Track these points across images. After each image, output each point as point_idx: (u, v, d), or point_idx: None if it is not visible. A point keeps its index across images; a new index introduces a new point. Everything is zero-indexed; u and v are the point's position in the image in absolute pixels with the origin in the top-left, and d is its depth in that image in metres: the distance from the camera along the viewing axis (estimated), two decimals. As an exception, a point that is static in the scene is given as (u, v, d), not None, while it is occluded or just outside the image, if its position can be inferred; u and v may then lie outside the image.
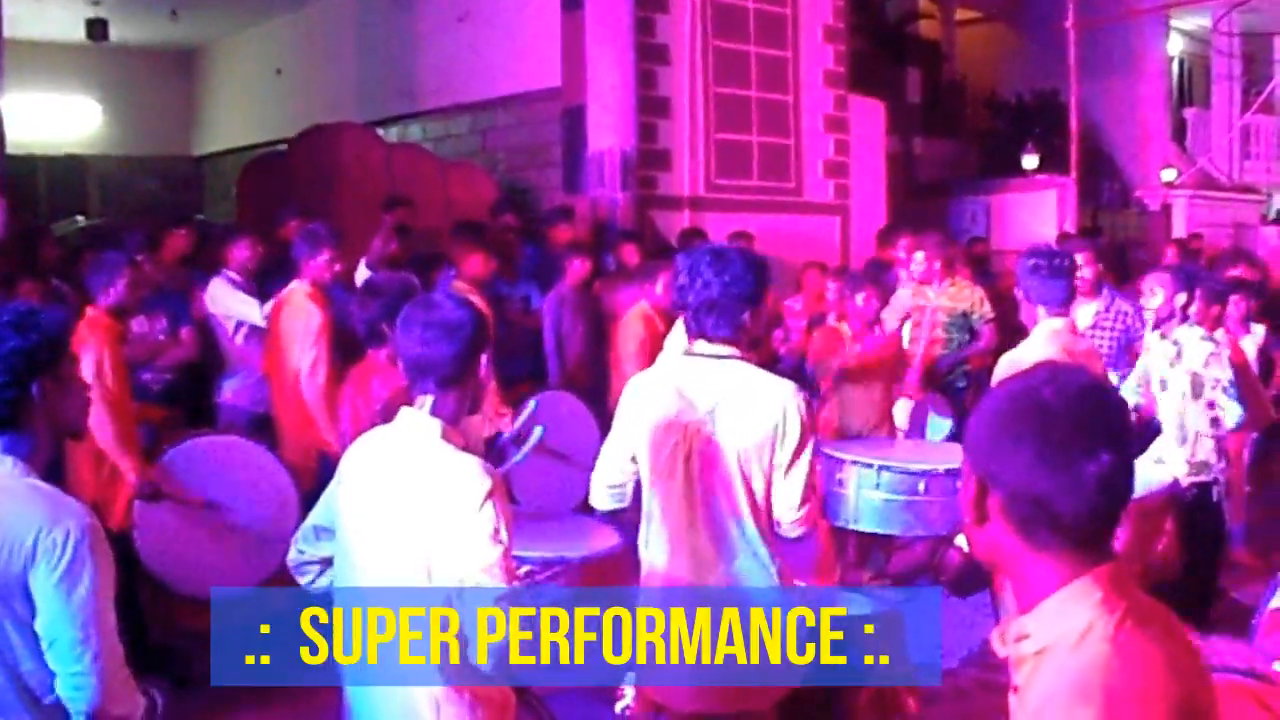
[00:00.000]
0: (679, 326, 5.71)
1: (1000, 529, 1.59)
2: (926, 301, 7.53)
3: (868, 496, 5.32)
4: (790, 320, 8.46)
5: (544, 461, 5.64)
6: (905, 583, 6.74)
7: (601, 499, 3.56)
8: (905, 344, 7.25)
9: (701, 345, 3.38)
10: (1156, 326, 5.61)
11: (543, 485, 6.11)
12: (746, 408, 3.28)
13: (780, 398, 3.30)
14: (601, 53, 10.24)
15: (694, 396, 3.32)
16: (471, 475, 2.66)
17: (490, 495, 2.63)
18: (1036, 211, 15.07)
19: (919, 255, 7.55)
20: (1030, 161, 16.20)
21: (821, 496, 5.36)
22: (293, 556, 3.00)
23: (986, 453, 1.59)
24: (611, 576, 3.53)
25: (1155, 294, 5.55)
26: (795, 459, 3.30)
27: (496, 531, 2.62)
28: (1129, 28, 16.88)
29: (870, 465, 5.30)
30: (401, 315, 2.83)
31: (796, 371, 8.05)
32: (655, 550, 3.39)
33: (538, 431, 4.30)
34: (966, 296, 7.68)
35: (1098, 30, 15.71)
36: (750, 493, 3.30)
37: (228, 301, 6.59)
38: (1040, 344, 4.64)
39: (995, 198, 15.80)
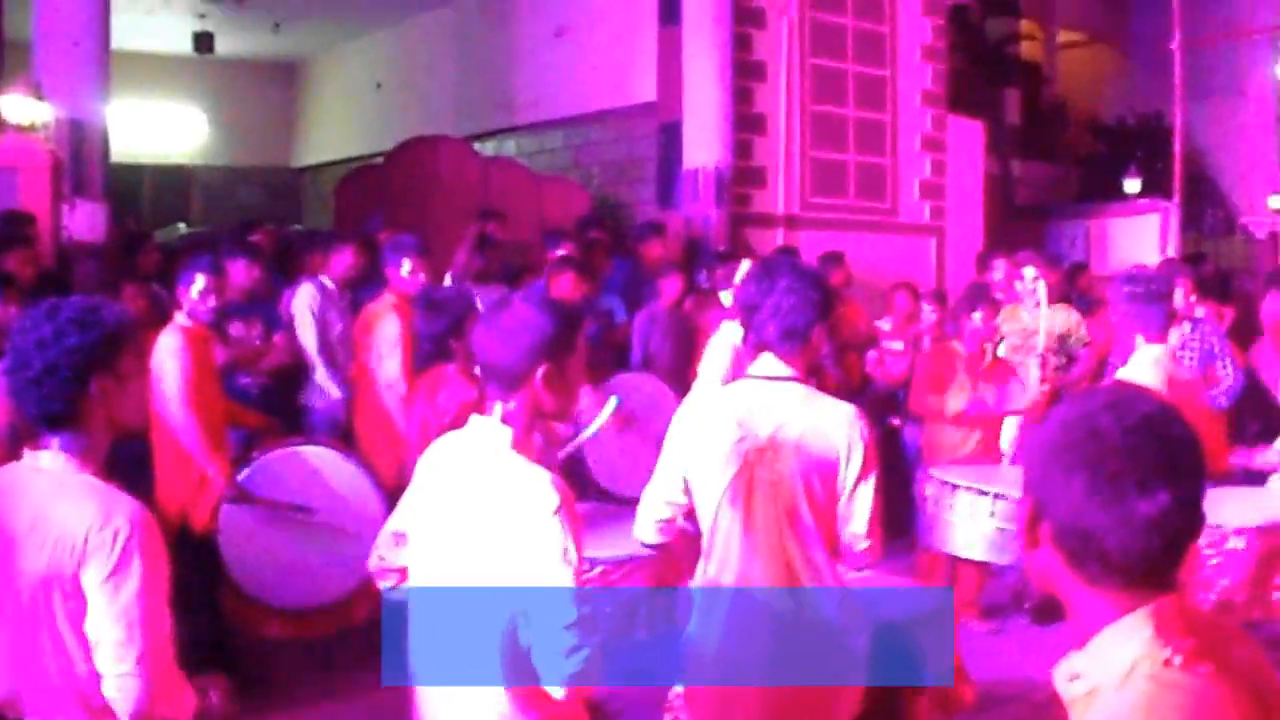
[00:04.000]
0: (717, 349, 5.64)
1: (1051, 557, 1.50)
2: (1023, 324, 7.38)
3: (981, 525, 5.19)
4: (884, 340, 8.34)
5: (629, 444, 5.57)
6: (996, 613, 6.61)
7: (648, 533, 3.42)
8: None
9: (760, 367, 3.30)
10: None
11: (626, 468, 6.10)
12: (810, 432, 3.19)
13: (844, 421, 3.20)
14: (698, 68, 10.21)
15: (754, 422, 3.22)
16: (539, 490, 2.53)
17: (558, 511, 2.51)
18: (1138, 237, 14.72)
19: (1029, 271, 7.40)
20: (1132, 185, 15.87)
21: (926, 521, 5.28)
22: (373, 562, 2.95)
23: (1039, 479, 1.50)
24: (688, 570, 3.44)
25: None
26: (859, 484, 3.20)
27: (565, 551, 2.50)
28: (1235, 49, 16.48)
29: (985, 493, 5.17)
30: (479, 318, 2.77)
31: (890, 396, 7.97)
32: (716, 578, 3.28)
33: (612, 402, 4.21)
34: (1064, 320, 7.52)
35: (1203, 52, 15.35)
36: (816, 520, 3.20)
37: (297, 316, 6.67)
38: (1142, 371, 4.51)
39: (1095, 222, 15.47)
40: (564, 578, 2.49)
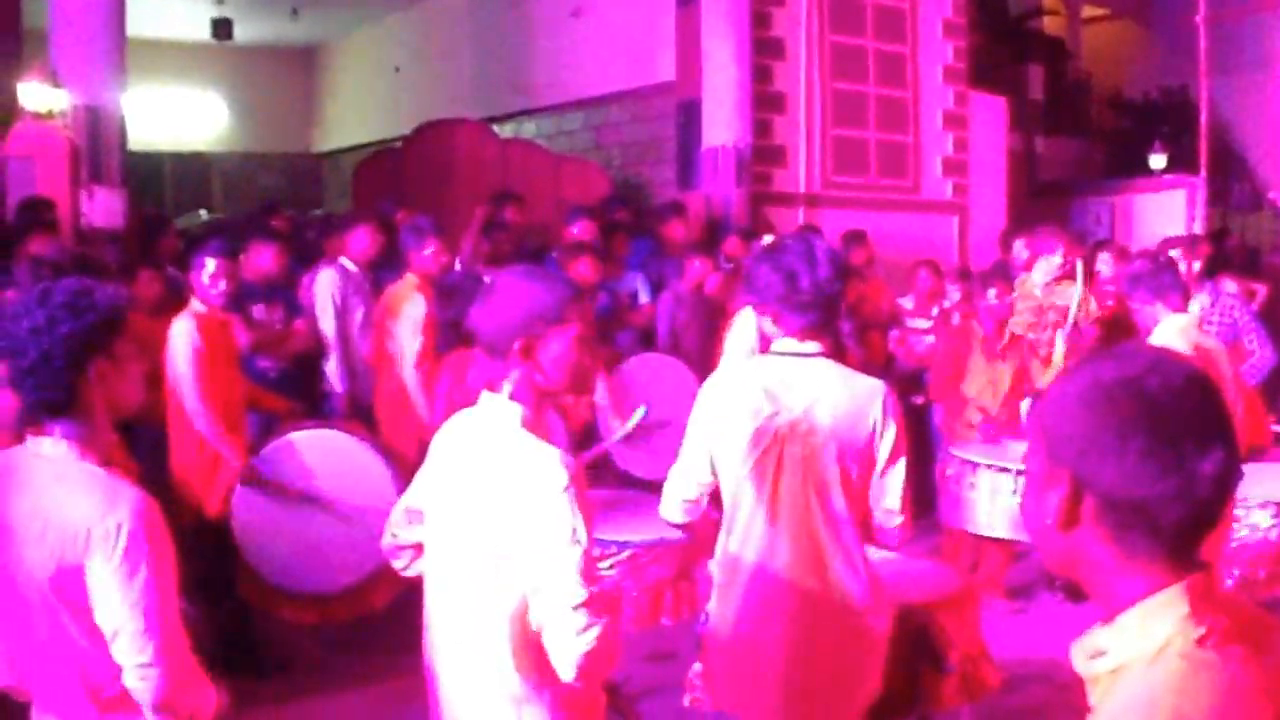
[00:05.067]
0: (741, 324, 5.59)
1: (1090, 535, 1.42)
2: (1036, 300, 7.29)
3: (1003, 502, 5.13)
4: (907, 319, 8.27)
5: (652, 429, 5.55)
6: (1022, 593, 6.56)
7: (674, 511, 3.38)
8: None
9: (788, 343, 3.25)
10: None
11: (649, 452, 6.06)
12: (842, 407, 3.14)
13: (876, 396, 3.17)
14: (716, 47, 10.13)
15: (785, 398, 3.17)
16: (548, 468, 2.47)
17: (567, 489, 2.45)
18: (1163, 213, 14.57)
19: (1055, 260, 7.27)
20: (1158, 161, 15.70)
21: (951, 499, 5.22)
22: (386, 540, 2.91)
23: (1081, 450, 1.41)
24: (709, 551, 3.40)
25: None
26: (893, 460, 3.17)
27: (574, 531, 2.45)
28: (1261, 22, 16.25)
29: (1008, 470, 5.11)
30: (479, 292, 2.72)
31: (914, 375, 7.90)
32: (739, 557, 3.24)
33: (640, 412, 4.20)
34: (1070, 295, 7.43)
35: (1228, 25, 15.15)
36: (847, 497, 3.16)
37: (318, 302, 6.65)
38: (1170, 338, 4.51)
39: (1120, 198, 15.33)
40: (572, 556, 2.44)
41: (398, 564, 2.93)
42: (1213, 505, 1.40)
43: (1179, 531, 1.40)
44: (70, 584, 2.33)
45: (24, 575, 2.36)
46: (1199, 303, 6.58)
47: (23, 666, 2.43)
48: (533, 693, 2.54)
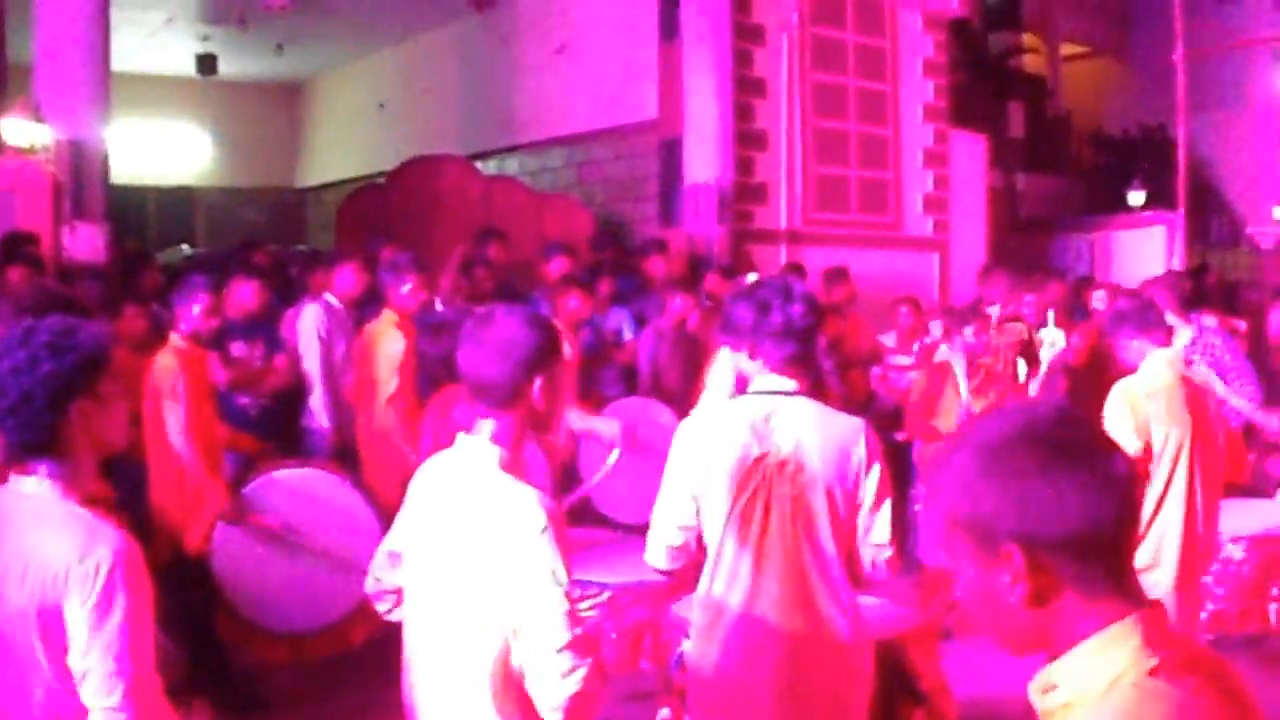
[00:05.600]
0: (722, 366, 5.60)
1: (1055, 592, 1.40)
2: (1018, 337, 7.34)
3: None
4: (889, 356, 8.30)
5: (633, 472, 5.56)
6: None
7: (660, 559, 3.32)
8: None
9: (766, 381, 3.24)
10: None
11: (629, 495, 6.04)
12: (827, 446, 3.14)
13: (858, 434, 3.18)
14: (698, 85, 10.20)
15: (772, 437, 3.16)
16: (526, 510, 2.48)
17: (545, 531, 2.46)
18: (1143, 249, 14.67)
19: (992, 309, 7.37)
20: (1136, 198, 15.83)
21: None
22: (369, 584, 2.90)
23: (1019, 513, 1.39)
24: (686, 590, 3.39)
25: None
26: (880, 497, 3.17)
27: (554, 572, 2.45)
28: (1238, 60, 16.47)
29: None
30: (464, 333, 2.70)
31: (895, 412, 7.91)
32: (724, 598, 3.21)
33: (613, 455, 4.21)
34: (1019, 330, 7.47)
35: (1206, 63, 15.32)
36: (835, 536, 3.15)
37: (302, 338, 6.65)
38: (1158, 371, 4.54)
39: (1099, 234, 15.44)
40: (553, 598, 2.44)
41: (381, 607, 2.91)
42: (1136, 505, 1.44)
43: (1128, 548, 1.43)
44: (49, 625, 2.30)
45: (2, 615, 2.34)
46: (1182, 338, 6.61)
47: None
48: None
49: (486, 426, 2.63)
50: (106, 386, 2.45)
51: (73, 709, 2.34)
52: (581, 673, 2.43)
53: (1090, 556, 1.40)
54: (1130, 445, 4.25)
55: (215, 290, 5.37)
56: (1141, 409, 4.39)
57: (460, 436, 2.69)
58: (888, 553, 3.21)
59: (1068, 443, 1.41)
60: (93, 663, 2.29)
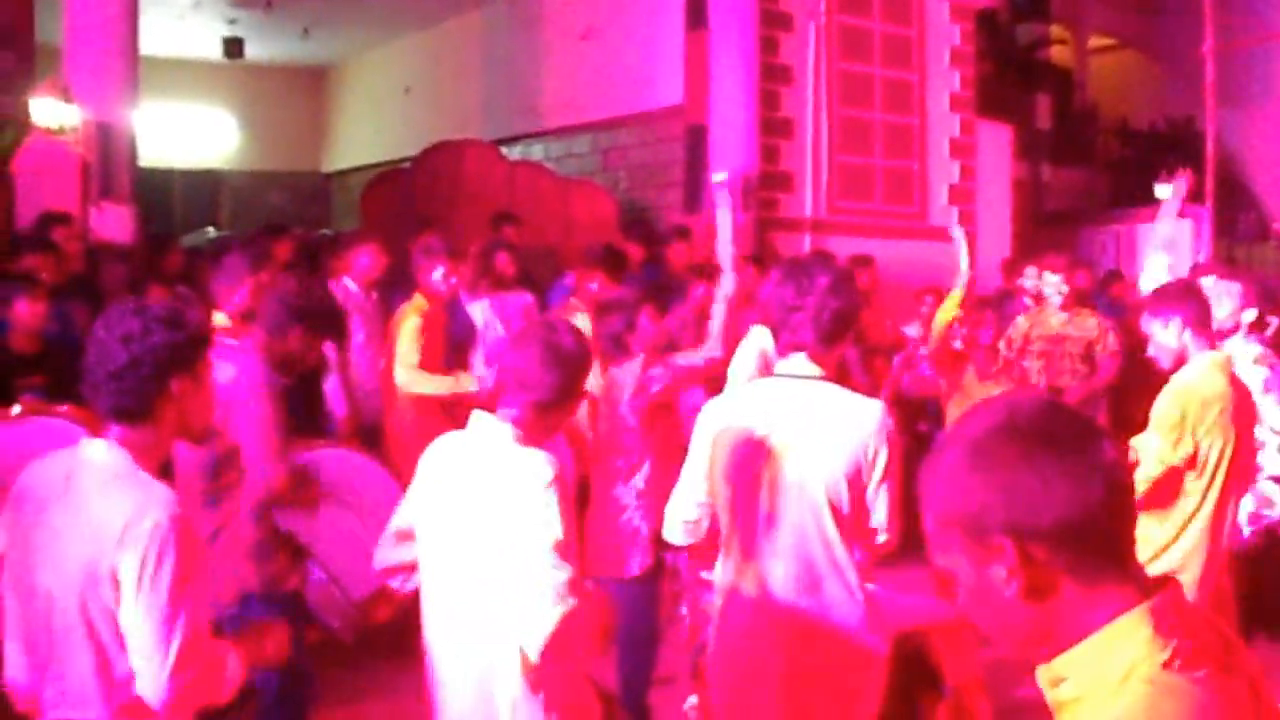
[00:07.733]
0: (746, 347, 5.61)
1: (1053, 583, 1.40)
2: (1050, 330, 7.32)
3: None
4: (912, 347, 8.28)
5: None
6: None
7: (676, 533, 3.45)
8: (1034, 376, 7.08)
9: (790, 366, 3.27)
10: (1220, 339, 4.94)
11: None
12: (840, 429, 3.16)
13: (873, 417, 3.18)
14: (724, 72, 10.18)
15: (782, 420, 3.19)
16: (536, 466, 2.73)
17: (552, 484, 2.69)
18: (1169, 243, 14.59)
19: (1054, 277, 7.32)
20: (1164, 191, 15.69)
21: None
22: (377, 562, 3.05)
23: (1007, 505, 1.38)
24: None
25: (1222, 303, 5.06)
26: (884, 480, 3.19)
27: (549, 523, 2.65)
28: (1267, 53, 16.32)
29: None
30: (521, 330, 2.90)
31: (919, 402, 7.90)
32: (736, 580, 3.26)
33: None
34: (1091, 327, 7.44)
35: (1234, 57, 15.20)
36: (840, 520, 3.16)
37: None
38: (1207, 373, 4.19)
39: (1126, 228, 15.35)
40: (547, 538, 2.62)
41: (394, 583, 3.06)
42: (1128, 489, 1.43)
43: (1126, 533, 1.42)
44: (101, 584, 2.36)
45: (61, 577, 2.40)
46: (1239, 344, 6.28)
47: (44, 668, 2.45)
48: (529, 693, 2.62)
49: (510, 413, 2.84)
50: (203, 369, 2.55)
51: (124, 672, 2.40)
52: (562, 610, 2.57)
53: (1084, 543, 1.39)
54: (1176, 453, 4.03)
55: (256, 271, 5.37)
56: (1193, 415, 4.06)
57: (475, 415, 2.89)
58: (883, 536, 3.24)
59: (1051, 432, 1.41)
60: (140, 621, 2.35)
